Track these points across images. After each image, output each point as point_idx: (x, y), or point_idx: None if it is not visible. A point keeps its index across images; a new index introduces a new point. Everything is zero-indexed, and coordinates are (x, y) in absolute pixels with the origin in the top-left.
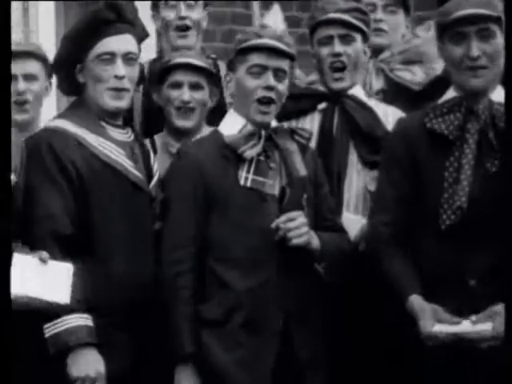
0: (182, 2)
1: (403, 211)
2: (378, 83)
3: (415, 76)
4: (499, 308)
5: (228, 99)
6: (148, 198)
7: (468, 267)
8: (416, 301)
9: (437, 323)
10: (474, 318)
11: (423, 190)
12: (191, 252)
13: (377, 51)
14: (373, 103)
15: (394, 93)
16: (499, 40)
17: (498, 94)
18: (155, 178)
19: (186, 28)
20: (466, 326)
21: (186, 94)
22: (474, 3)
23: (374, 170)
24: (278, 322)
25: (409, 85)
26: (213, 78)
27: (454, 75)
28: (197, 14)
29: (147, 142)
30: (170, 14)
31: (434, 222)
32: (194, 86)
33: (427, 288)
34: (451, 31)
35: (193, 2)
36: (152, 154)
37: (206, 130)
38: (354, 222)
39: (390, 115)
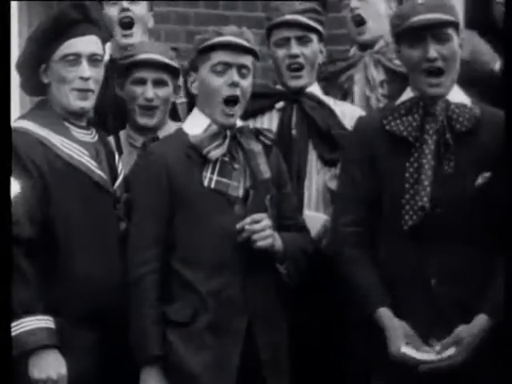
0: None
1: (365, 212)
2: (379, 75)
3: None
4: (463, 333)
5: None
6: (112, 198)
7: (430, 267)
8: (386, 316)
9: (405, 345)
10: (438, 347)
11: (384, 191)
12: (156, 253)
13: (367, 45)
14: (331, 102)
15: (397, 82)
16: (455, 43)
17: (454, 95)
18: (120, 179)
19: (129, 23)
20: (431, 356)
21: (149, 92)
22: (430, 7)
23: (333, 167)
24: (242, 323)
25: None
26: (177, 72)
27: (412, 78)
28: (140, 9)
29: (112, 138)
30: (113, 10)
31: (397, 223)
32: (158, 83)
33: (390, 289)
34: (408, 35)
35: None
36: (117, 155)
37: (171, 126)
38: (315, 219)
39: (347, 114)
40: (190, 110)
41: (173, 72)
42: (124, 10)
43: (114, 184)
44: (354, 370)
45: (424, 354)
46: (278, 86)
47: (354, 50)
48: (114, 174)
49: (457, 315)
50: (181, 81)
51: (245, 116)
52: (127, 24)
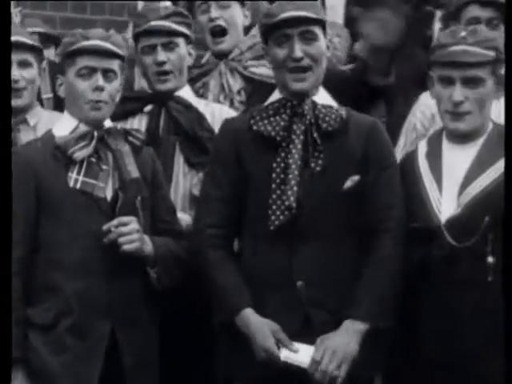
0: None
1: (230, 213)
2: (236, 84)
3: (271, 70)
4: (331, 343)
5: None
6: None
7: (296, 268)
8: (250, 316)
9: (280, 349)
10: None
11: (251, 192)
12: (21, 253)
13: (222, 53)
14: (201, 104)
15: (254, 90)
16: (322, 42)
17: (320, 96)
18: None
19: None
20: (305, 358)
21: (15, 72)
22: (297, 6)
23: (200, 171)
24: (105, 326)
25: (266, 80)
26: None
27: (278, 77)
28: None
29: None
30: None
31: (263, 224)
32: (22, 64)
33: (256, 291)
34: (275, 33)
35: None
36: None
37: (41, 111)
38: (182, 221)
39: (216, 115)
40: (55, 105)
41: (38, 53)
42: None
43: None
44: (219, 375)
45: (304, 358)
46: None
47: (208, 57)
48: None
49: (324, 319)
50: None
51: (116, 118)
52: None
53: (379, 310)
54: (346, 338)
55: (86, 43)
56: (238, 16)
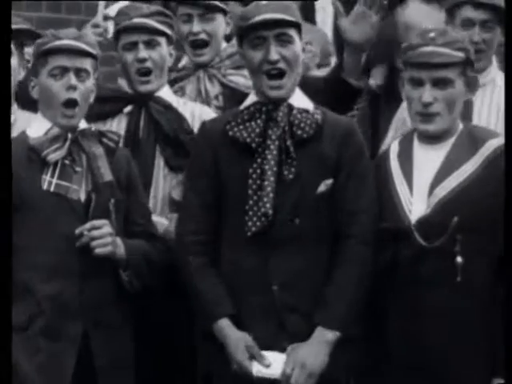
0: None
1: (210, 219)
2: (214, 89)
3: (248, 80)
4: (300, 354)
5: None
6: None
7: (272, 273)
8: (226, 327)
9: (255, 365)
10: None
11: (229, 198)
12: None
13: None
14: (181, 102)
15: (231, 97)
16: (297, 45)
17: (296, 99)
18: None
19: None
20: (277, 369)
21: None
22: (273, 8)
23: (180, 173)
24: (77, 327)
25: (243, 89)
26: None
27: (254, 80)
28: None
29: None
30: None
31: (241, 230)
32: None
33: (234, 298)
34: (250, 36)
35: None
36: None
37: (16, 111)
38: (158, 225)
39: (196, 115)
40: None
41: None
42: None
43: None
44: (198, 373)
45: (275, 369)
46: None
47: (186, 61)
48: None
49: (296, 322)
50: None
51: (94, 119)
52: None
53: (348, 317)
54: (316, 348)
55: (57, 43)
56: (221, 26)
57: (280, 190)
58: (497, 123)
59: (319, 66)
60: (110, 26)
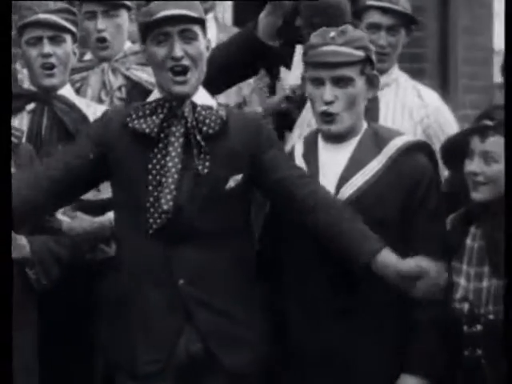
0: None
1: (49, 193)
2: (117, 82)
3: (152, 77)
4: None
5: None
6: None
7: (177, 268)
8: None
9: None
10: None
11: (127, 192)
12: None
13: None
14: (83, 103)
15: (133, 90)
16: (201, 42)
17: (200, 96)
18: None
19: None
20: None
21: None
22: (177, 5)
23: None
24: None
25: (145, 84)
26: None
27: (158, 76)
28: None
29: None
30: None
31: (142, 226)
32: None
33: (138, 287)
34: (154, 32)
35: None
36: None
37: None
38: (64, 223)
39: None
40: None
41: None
42: None
43: None
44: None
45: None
46: (31, 87)
47: (90, 55)
48: None
49: (205, 316)
50: None
51: None
52: None
53: None
54: None
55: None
56: (124, 22)
57: (186, 187)
58: (402, 121)
59: None
60: None
